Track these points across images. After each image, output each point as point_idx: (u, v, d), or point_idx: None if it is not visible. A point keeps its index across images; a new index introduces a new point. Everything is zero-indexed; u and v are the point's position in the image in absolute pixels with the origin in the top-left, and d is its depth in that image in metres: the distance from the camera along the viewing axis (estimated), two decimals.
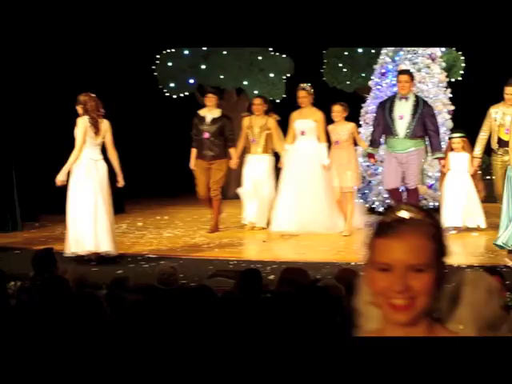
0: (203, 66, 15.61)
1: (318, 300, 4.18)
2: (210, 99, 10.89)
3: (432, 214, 1.98)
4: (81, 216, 8.58)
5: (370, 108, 13.42)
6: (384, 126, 10.14)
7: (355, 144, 10.67)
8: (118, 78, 13.86)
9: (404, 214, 1.94)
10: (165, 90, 15.80)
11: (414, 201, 10.08)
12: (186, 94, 15.82)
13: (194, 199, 11.57)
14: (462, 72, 14.67)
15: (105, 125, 8.89)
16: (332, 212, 10.50)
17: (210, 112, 10.83)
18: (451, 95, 12.98)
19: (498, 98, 9.96)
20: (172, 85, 15.70)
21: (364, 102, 13.73)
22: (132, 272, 7.70)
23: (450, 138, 10.46)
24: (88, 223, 8.58)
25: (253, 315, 4.44)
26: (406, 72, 10.51)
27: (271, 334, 4.05)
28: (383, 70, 13.12)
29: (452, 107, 12.88)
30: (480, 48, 12.21)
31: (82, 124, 8.75)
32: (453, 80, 14.16)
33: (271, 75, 15.88)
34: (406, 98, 10.07)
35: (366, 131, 12.46)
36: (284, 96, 16.06)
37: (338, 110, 10.23)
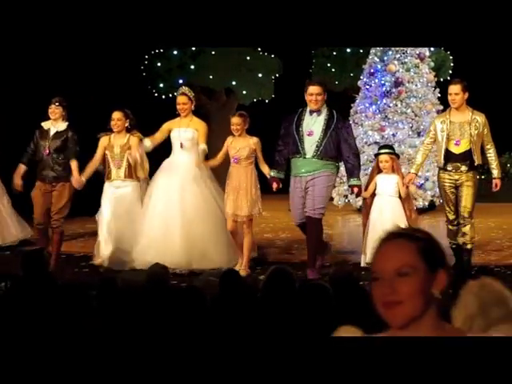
0: (192, 67, 15.61)
1: (306, 299, 4.19)
2: (54, 111, 8.75)
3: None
4: None
5: (359, 108, 13.53)
6: (290, 143, 8.28)
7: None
8: (108, 79, 13.83)
9: None
10: (154, 91, 15.79)
11: (314, 235, 8.15)
12: (175, 94, 15.80)
13: None
14: (450, 72, 14.75)
15: None
16: (219, 243, 8.59)
17: (54, 125, 8.77)
18: (440, 95, 13.02)
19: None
20: (161, 85, 15.70)
21: (353, 101, 13.83)
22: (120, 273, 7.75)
23: (376, 155, 8.61)
24: None
25: (235, 314, 4.45)
26: (319, 83, 8.41)
27: (261, 335, 4.05)
28: (372, 70, 13.15)
29: (441, 107, 12.92)
30: (468, 48, 12.25)
31: None
32: (441, 80, 14.22)
33: (260, 75, 15.90)
34: (318, 112, 8.22)
35: (355, 131, 12.49)
36: (273, 96, 16.11)
37: (236, 123, 8.42)
